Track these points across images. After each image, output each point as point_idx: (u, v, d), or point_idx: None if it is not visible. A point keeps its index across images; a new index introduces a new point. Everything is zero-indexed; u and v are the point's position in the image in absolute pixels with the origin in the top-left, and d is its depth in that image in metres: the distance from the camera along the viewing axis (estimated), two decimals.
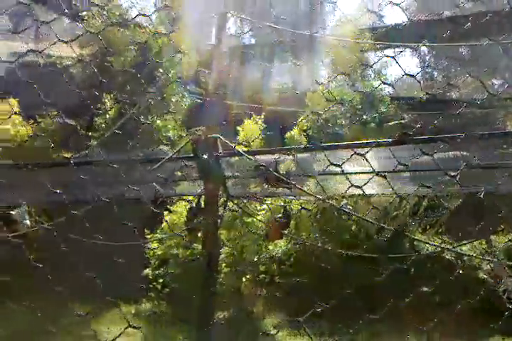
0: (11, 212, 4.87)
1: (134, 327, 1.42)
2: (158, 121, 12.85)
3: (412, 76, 2.02)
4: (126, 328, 1.44)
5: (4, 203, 4.74)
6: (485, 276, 9.35)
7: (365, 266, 9.06)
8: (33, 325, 7.88)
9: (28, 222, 5.01)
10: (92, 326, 8.64)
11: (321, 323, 8.53)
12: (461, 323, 7.72)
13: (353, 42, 15.74)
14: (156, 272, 10.03)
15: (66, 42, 2.27)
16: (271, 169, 5.10)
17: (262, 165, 5.16)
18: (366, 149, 6.81)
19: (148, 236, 9.98)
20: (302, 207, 7.70)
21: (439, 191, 8.04)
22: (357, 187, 2.41)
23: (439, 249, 8.40)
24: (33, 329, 7.81)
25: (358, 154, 2.07)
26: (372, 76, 17.69)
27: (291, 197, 9.43)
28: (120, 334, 1.34)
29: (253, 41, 22.28)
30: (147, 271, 10.19)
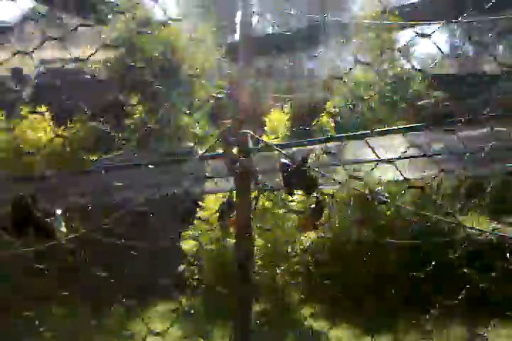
0: (47, 219, 5.00)
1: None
2: (185, 119, 12.99)
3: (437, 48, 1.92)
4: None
5: (40, 211, 4.87)
6: None
7: (403, 253, 8.98)
8: (74, 326, 8.15)
9: (64, 229, 5.14)
10: (131, 325, 8.91)
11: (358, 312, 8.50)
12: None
13: (379, 23, 15.39)
14: (192, 268, 10.16)
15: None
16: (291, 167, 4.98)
17: (284, 164, 5.05)
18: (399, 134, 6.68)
19: (182, 234, 10.13)
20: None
21: (477, 171, 7.85)
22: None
23: (481, 232, 8.19)
24: (75, 330, 8.08)
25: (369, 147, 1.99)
26: (400, 56, 17.32)
27: (322, 187, 9.35)
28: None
29: (274, 30, 22.12)
30: (182, 267, 10.34)
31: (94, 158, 11.22)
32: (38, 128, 10.79)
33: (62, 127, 11.47)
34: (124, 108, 12.04)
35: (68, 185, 5.93)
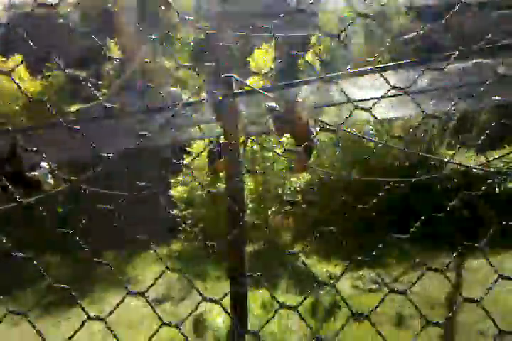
0: (33, 172, 4.90)
1: (172, 270, 1.39)
2: (166, 62, 12.50)
3: None
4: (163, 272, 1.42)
5: (25, 164, 4.76)
6: None
7: (393, 190, 9.08)
8: (71, 275, 8.30)
9: (51, 180, 5.05)
10: (128, 270, 9.08)
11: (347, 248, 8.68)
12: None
13: None
14: (184, 213, 10.24)
15: None
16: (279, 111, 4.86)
17: (271, 108, 4.92)
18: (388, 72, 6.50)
19: (172, 181, 10.12)
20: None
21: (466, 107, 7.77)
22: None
23: (468, 167, 8.27)
24: (72, 279, 8.20)
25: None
26: None
27: (312, 129, 9.27)
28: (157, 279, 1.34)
29: None
30: (175, 212, 10.41)
31: (74, 108, 10.89)
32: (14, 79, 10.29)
33: (39, 76, 11.01)
34: (102, 54, 11.50)
35: (51, 137, 5.75)
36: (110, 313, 1.35)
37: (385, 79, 1.56)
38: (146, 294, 1.44)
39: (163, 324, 1.32)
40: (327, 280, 8.11)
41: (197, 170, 9.25)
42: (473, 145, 10.26)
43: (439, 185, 9.36)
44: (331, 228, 1.42)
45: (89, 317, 1.34)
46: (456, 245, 7.94)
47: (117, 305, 1.37)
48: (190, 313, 1.38)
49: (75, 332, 1.32)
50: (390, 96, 6.93)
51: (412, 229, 1.15)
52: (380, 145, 9.50)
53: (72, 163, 7.53)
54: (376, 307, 1.41)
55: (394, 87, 1.53)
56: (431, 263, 8.17)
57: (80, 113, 10.52)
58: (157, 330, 1.30)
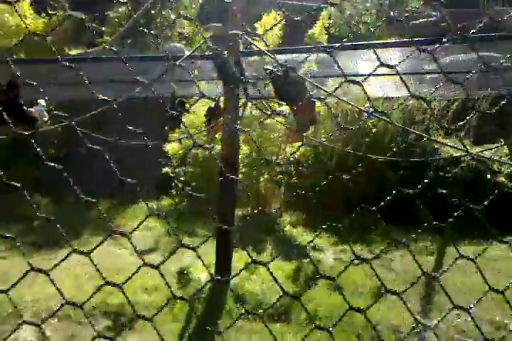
0: (30, 108, 4.79)
1: (158, 215, 1.38)
2: (172, 16, 12.11)
3: None
4: (147, 217, 1.40)
5: (22, 100, 4.62)
6: (504, 179, 9.34)
7: (384, 169, 9.07)
8: (61, 217, 8.25)
9: (46, 118, 4.94)
10: (117, 219, 9.09)
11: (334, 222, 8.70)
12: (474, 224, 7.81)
13: None
14: (177, 170, 10.16)
15: None
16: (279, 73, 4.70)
17: (270, 71, 4.75)
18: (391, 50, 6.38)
19: (169, 135, 9.97)
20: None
21: (468, 94, 7.71)
22: None
23: (463, 153, 8.28)
24: (59, 222, 8.12)
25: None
26: None
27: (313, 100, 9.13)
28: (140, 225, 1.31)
29: None
30: (167, 169, 10.32)
31: (74, 52, 10.56)
32: (17, 15, 9.96)
33: (43, 15, 10.61)
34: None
35: (50, 75, 5.59)
36: (94, 249, 1.31)
37: (376, 54, 1.47)
38: (132, 244, 1.40)
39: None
40: (311, 251, 8.15)
41: (194, 128, 9.12)
42: (470, 136, 10.25)
43: (431, 171, 9.36)
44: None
45: (74, 251, 1.31)
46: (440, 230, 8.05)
47: (100, 242, 1.35)
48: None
49: (62, 261, 1.28)
50: (389, 74, 6.84)
51: (381, 203, 1.11)
52: (379, 122, 9.46)
53: (69, 103, 7.36)
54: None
55: (382, 64, 1.44)
56: (412, 245, 8.26)
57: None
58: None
